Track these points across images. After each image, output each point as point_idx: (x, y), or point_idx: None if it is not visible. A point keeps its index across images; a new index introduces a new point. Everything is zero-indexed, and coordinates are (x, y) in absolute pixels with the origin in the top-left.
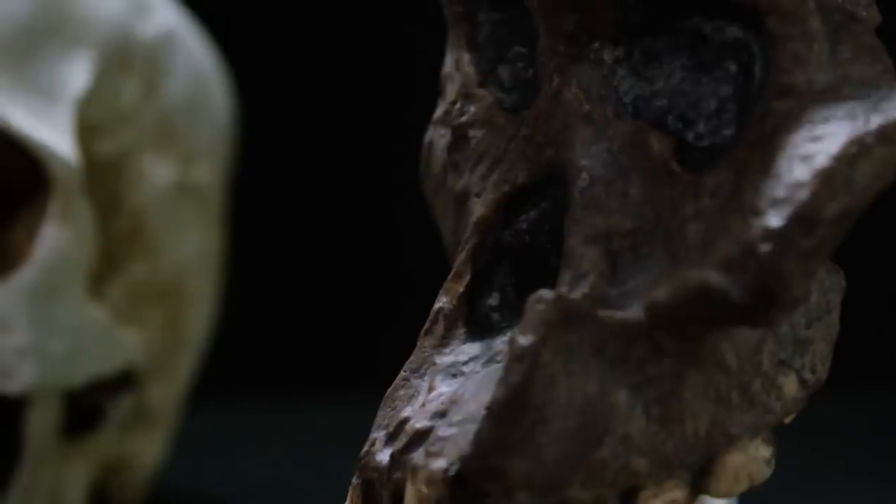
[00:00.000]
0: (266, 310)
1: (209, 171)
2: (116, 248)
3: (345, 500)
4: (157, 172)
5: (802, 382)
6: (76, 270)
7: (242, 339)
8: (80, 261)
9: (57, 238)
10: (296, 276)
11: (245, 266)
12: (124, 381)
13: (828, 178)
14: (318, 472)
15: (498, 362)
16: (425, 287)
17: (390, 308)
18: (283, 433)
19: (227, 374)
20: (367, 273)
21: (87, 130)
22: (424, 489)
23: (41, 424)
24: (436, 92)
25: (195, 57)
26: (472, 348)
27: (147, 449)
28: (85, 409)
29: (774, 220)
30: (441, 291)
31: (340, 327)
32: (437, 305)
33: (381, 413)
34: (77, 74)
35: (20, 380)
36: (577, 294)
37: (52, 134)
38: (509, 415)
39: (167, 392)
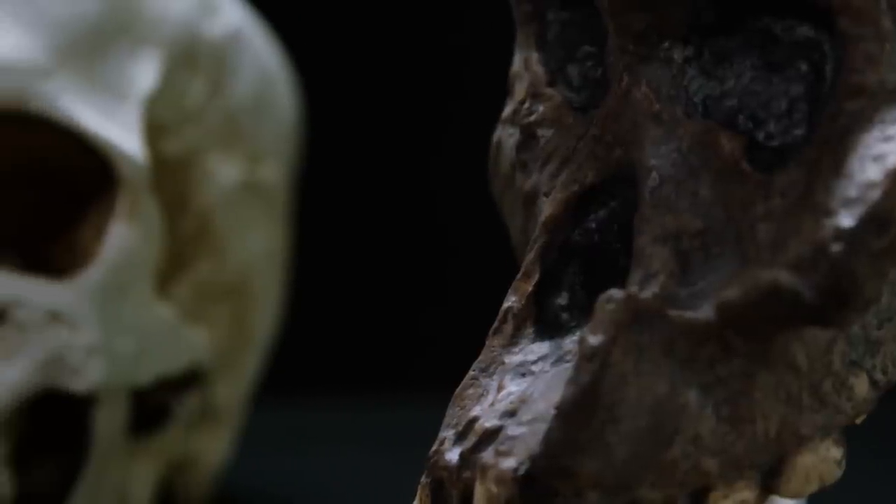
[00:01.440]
0: (330, 308)
1: (275, 169)
2: (183, 247)
3: (412, 498)
4: (223, 171)
5: (873, 383)
6: (143, 269)
7: (307, 337)
8: (148, 260)
9: (125, 237)
10: (360, 275)
11: (309, 265)
12: (191, 379)
13: None
14: (381, 470)
15: (567, 362)
16: (490, 286)
17: (455, 307)
18: (347, 432)
19: (291, 373)
20: (431, 272)
21: (154, 129)
22: (494, 488)
23: (108, 423)
24: (501, 91)
25: (261, 56)
26: (541, 348)
27: (213, 447)
28: (151, 407)
29: (846, 220)
30: (510, 291)
31: (404, 326)
32: (505, 305)
33: (449, 412)
34: (145, 74)
35: (88, 378)
36: (647, 294)
37: (121, 133)
38: (579, 414)
39: (233, 390)
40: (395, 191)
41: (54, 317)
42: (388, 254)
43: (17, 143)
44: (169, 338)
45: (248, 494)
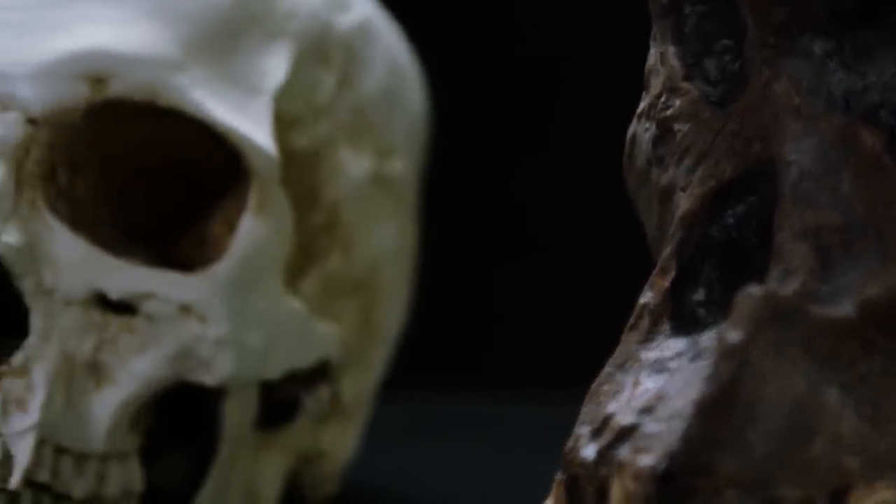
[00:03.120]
0: (458, 303)
1: (404, 163)
2: (312, 241)
3: (543, 496)
4: (352, 165)
5: None
6: (274, 263)
7: (434, 332)
8: (278, 253)
9: (255, 230)
10: (487, 270)
11: (436, 259)
12: (320, 373)
13: None
14: (511, 468)
15: (704, 359)
16: (621, 283)
17: (585, 303)
18: (475, 428)
19: (418, 368)
20: (559, 267)
21: (284, 123)
22: (632, 486)
23: (238, 416)
24: (629, 86)
25: (391, 49)
26: (678, 344)
27: (340, 442)
28: (281, 401)
29: None
30: (646, 286)
31: (534, 322)
32: (642, 301)
33: (585, 409)
34: (276, 67)
35: (218, 372)
36: (786, 290)
37: (252, 126)
38: (718, 412)
39: (361, 385)
40: (520, 185)
41: (185, 310)
42: (516, 248)
43: (149, 136)
44: (299, 331)
45: (374, 491)
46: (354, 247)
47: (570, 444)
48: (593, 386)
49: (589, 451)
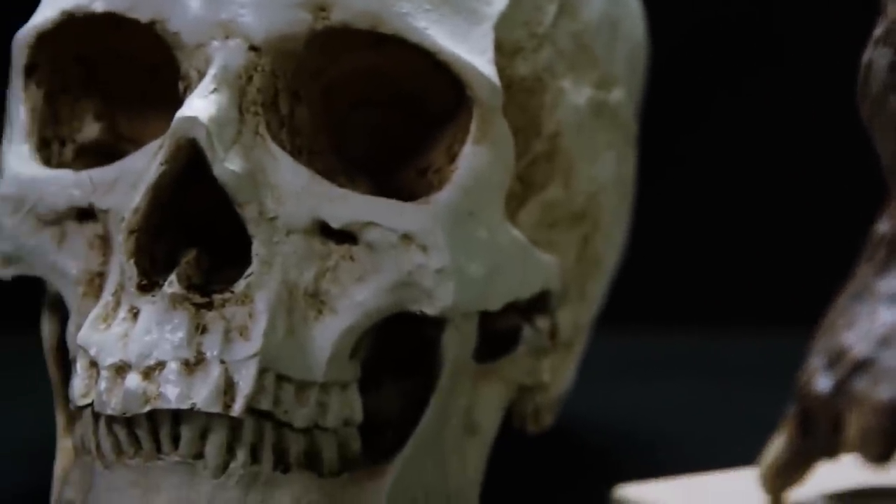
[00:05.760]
0: (675, 238)
1: (624, 92)
2: (532, 170)
3: (765, 431)
4: (573, 94)
5: None
6: (495, 193)
7: (650, 265)
8: (500, 183)
9: (477, 160)
10: (704, 203)
11: (649, 193)
12: (539, 304)
13: None
14: (727, 401)
15: None
16: (853, 211)
17: (812, 234)
18: (689, 362)
19: (636, 301)
20: (786, 198)
21: (505, 51)
22: (870, 420)
23: (458, 347)
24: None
25: None
26: None
27: (559, 374)
28: (500, 332)
29: None
30: (883, 216)
31: (757, 256)
32: (878, 230)
33: (819, 341)
34: None
35: (439, 301)
36: None
37: (474, 54)
38: None
39: (579, 316)
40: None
41: (406, 239)
42: (727, 181)
43: (370, 65)
44: (520, 262)
45: (590, 424)
46: (574, 177)
47: (803, 376)
48: (827, 317)
49: (824, 384)
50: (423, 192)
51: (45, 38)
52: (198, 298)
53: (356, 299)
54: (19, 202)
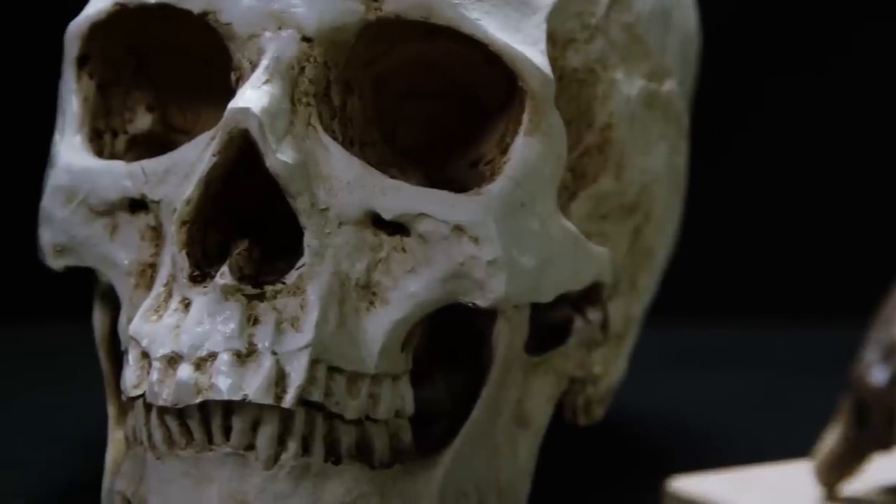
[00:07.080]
0: (725, 231)
1: (676, 84)
2: (584, 162)
3: (818, 423)
4: (625, 85)
5: None
6: (547, 184)
7: (702, 256)
8: (552, 174)
9: (529, 151)
10: (757, 193)
11: (701, 184)
12: (590, 296)
13: None
14: (772, 394)
15: None
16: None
17: (860, 229)
18: (742, 354)
19: (684, 293)
20: (841, 192)
21: (558, 42)
22: None
23: (509, 339)
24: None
25: None
26: None
27: (610, 366)
28: (552, 324)
29: None
30: None
31: (808, 250)
32: None
33: (874, 333)
34: None
35: (490, 293)
36: None
37: (527, 46)
38: None
39: (631, 309)
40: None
41: (458, 230)
42: (791, 168)
43: (422, 56)
44: (571, 254)
45: (642, 417)
46: (626, 169)
47: (858, 368)
48: (883, 311)
49: (879, 376)
50: (475, 184)
51: (98, 29)
52: (249, 289)
53: (408, 291)
54: (71, 193)
